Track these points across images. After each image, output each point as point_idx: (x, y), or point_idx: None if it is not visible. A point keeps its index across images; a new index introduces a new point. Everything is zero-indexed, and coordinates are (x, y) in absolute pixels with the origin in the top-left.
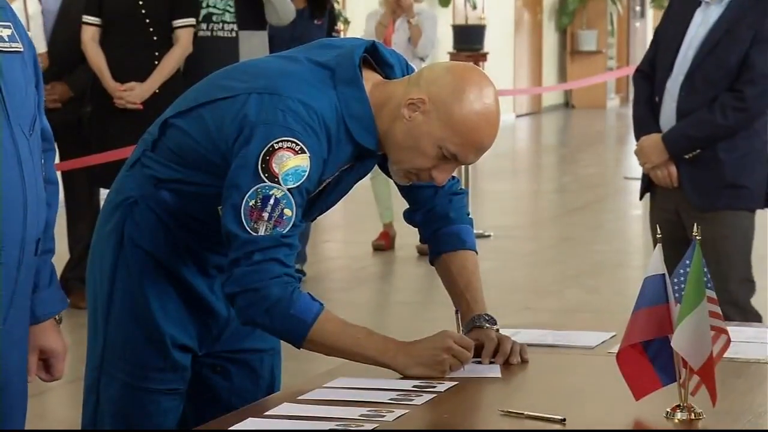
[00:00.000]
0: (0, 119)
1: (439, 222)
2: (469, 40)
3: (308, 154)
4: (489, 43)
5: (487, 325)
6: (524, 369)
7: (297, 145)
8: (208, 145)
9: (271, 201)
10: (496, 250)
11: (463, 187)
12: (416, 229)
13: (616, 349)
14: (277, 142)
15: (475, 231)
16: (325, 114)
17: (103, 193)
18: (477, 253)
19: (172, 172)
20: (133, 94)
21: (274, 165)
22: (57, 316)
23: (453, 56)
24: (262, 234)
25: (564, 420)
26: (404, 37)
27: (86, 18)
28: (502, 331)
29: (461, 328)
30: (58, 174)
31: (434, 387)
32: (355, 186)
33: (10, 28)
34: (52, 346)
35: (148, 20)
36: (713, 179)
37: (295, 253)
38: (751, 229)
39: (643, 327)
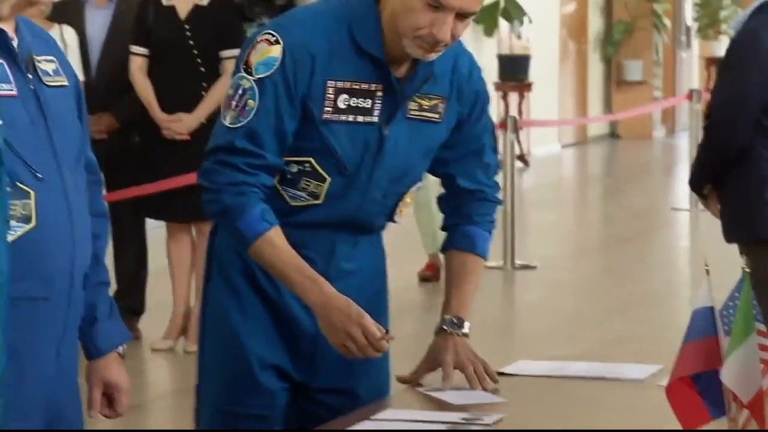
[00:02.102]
0: (47, 154)
1: (461, 219)
2: (514, 70)
3: (282, 45)
4: (534, 73)
5: (451, 329)
6: (575, 401)
7: (273, 36)
8: None
9: (239, 90)
10: (543, 281)
11: (500, 197)
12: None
13: (665, 381)
14: (260, 36)
15: (521, 262)
16: (326, 15)
17: (150, 223)
18: (485, 259)
19: None
20: (181, 124)
21: (251, 56)
22: (121, 351)
23: (498, 86)
24: (228, 123)
25: None
26: None
27: (134, 48)
28: (552, 363)
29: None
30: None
31: (482, 419)
32: (403, 212)
33: (55, 62)
34: (116, 380)
35: (195, 51)
36: (722, 213)
37: (263, 162)
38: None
39: (692, 360)
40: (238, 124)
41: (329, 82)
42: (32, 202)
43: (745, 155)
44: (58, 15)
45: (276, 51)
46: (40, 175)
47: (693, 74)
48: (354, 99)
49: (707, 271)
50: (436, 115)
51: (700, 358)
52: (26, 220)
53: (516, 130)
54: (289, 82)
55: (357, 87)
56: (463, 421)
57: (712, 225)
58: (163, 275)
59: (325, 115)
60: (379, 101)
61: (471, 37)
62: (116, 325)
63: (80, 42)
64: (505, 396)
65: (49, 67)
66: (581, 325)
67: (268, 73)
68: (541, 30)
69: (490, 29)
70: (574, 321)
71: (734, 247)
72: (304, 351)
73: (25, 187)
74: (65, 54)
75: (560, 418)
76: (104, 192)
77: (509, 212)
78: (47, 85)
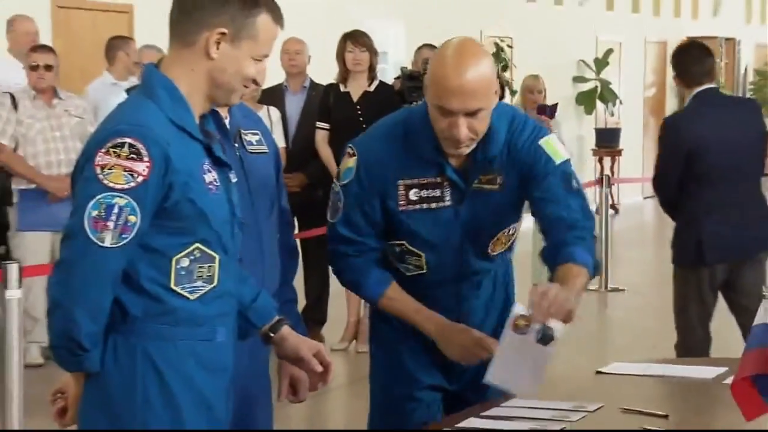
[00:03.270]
0: (246, 203)
1: (560, 249)
2: (607, 140)
3: (356, 157)
4: (623, 142)
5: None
6: (658, 393)
7: (351, 150)
8: None
9: (333, 195)
10: (629, 302)
11: (595, 234)
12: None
13: (729, 380)
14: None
15: (612, 286)
16: (393, 129)
17: None
18: (589, 271)
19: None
20: None
21: (340, 166)
22: None
23: (595, 151)
24: (330, 219)
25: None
26: None
27: (319, 124)
28: (639, 365)
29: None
30: (297, 241)
31: (586, 407)
32: (496, 249)
33: (258, 135)
34: (299, 375)
35: (364, 125)
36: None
37: (364, 246)
38: (679, 282)
39: (752, 364)
40: (335, 219)
41: (399, 182)
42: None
43: (678, 200)
44: (266, 99)
45: (352, 162)
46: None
47: None
48: (425, 191)
49: (764, 296)
50: (496, 186)
51: (758, 363)
52: None
53: (609, 185)
54: (363, 185)
55: (425, 182)
56: (572, 408)
57: None
58: (340, 295)
59: (401, 207)
60: (447, 188)
61: (574, 114)
62: (301, 333)
63: (282, 119)
64: (603, 390)
65: (253, 139)
66: (660, 337)
67: (348, 180)
68: (629, 109)
69: (589, 109)
70: (654, 333)
71: None
72: (457, 366)
73: None
74: (270, 128)
75: (647, 407)
76: (296, 231)
77: (603, 247)
78: (250, 152)
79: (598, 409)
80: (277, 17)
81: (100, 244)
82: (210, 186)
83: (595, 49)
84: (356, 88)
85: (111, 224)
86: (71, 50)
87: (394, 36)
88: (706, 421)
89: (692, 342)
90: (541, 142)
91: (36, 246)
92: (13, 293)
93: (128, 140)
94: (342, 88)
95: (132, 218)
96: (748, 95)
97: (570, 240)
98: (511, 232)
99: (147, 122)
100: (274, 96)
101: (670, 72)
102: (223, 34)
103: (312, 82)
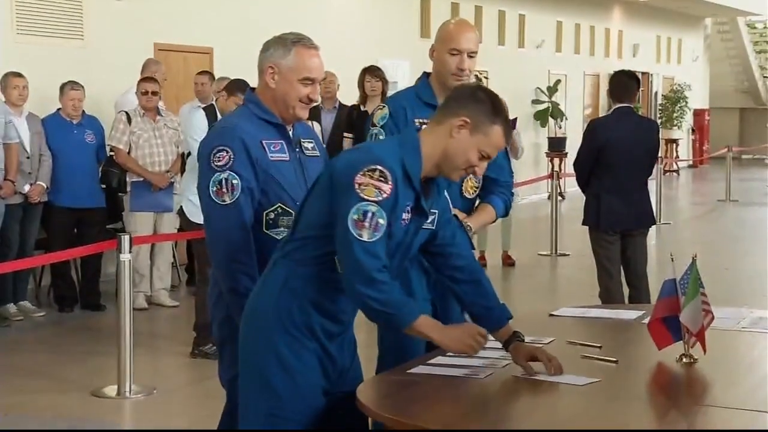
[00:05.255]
0: (303, 192)
1: (487, 195)
2: (556, 146)
3: (386, 107)
4: (568, 147)
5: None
6: (593, 329)
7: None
8: None
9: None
10: (574, 263)
11: (512, 187)
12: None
13: (646, 320)
14: None
15: (561, 252)
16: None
17: None
18: (498, 213)
19: None
20: None
21: None
22: None
23: (548, 154)
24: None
25: (617, 361)
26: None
27: (345, 134)
28: (580, 309)
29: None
30: None
31: (542, 341)
32: (468, 190)
33: (313, 143)
34: None
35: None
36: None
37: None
38: (593, 243)
39: (663, 308)
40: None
41: (414, 119)
42: (293, 218)
43: (589, 180)
44: (310, 116)
45: (385, 111)
46: (297, 203)
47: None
48: None
49: (672, 259)
50: None
51: (667, 308)
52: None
53: (558, 178)
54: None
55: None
56: (531, 341)
57: (673, 233)
58: None
59: None
60: None
61: (532, 127)
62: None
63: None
64: (554, 328)
65: (309, 145)
66: (596, 289)
67: (383, 122)
68: (572, 123)
69: (543, 123)
70: (591, 286)
71: (687, 244)
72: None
73: (290, 209)
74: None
75: (586, 340)
76: None
77: (554, 223)
78: (306, 155)
79: (550, 341)
80: (507, 134)
81: (359, 239)
82: (402, 221)
83: (548, 79)
84: (372, 108)
85: (366, 224)
86: (169, 80)
87: (401, 70)
88: (629, 350)
89: (609, 289)
90: None
91: (142, 223)
92: (125, 256)
93: (379, 167)
94: (362, 108)
95: (381, 221)
96: (658, 113)
97: (495, 192)
98: (475, 183)
99: (389, 160)
100: (313, 113)
101: (602, 96)
102: (465, 122)
103: (340, 104)
